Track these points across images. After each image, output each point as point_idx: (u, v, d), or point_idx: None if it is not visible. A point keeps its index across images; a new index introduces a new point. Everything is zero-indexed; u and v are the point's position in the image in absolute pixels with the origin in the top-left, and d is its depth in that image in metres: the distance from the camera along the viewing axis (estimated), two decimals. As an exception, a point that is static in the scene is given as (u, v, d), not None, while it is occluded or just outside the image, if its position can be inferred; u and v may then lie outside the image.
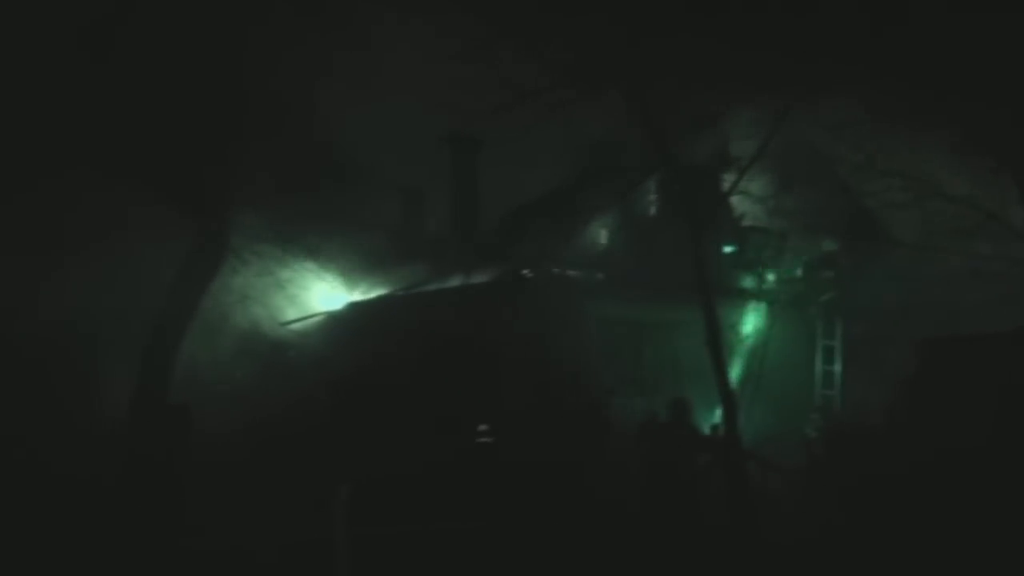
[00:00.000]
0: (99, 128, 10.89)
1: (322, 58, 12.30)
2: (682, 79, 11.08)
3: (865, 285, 13.15)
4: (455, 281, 13.97)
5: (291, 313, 13.93)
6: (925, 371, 11.18)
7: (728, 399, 11.26)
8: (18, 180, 11.03)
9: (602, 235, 13.70)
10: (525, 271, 13.13)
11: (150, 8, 11.16)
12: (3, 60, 10.74)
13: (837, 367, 14.23)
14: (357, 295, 14.35)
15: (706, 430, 12.32)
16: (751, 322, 14.15)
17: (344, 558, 8.20)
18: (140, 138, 11.06)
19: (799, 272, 14.03)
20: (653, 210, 13.69)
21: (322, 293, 14.13)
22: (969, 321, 11.89)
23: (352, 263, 14.12)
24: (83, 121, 10.86)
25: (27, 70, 10.76)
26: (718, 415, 11.45)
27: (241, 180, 12.21)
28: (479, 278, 13.69)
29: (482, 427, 11.68)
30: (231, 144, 11.62)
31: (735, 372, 12.80)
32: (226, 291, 13.19)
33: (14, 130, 10.81)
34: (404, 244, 15.00)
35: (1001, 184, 11.25)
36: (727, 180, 12.19)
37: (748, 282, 14.00)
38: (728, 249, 13.49)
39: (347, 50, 12.32)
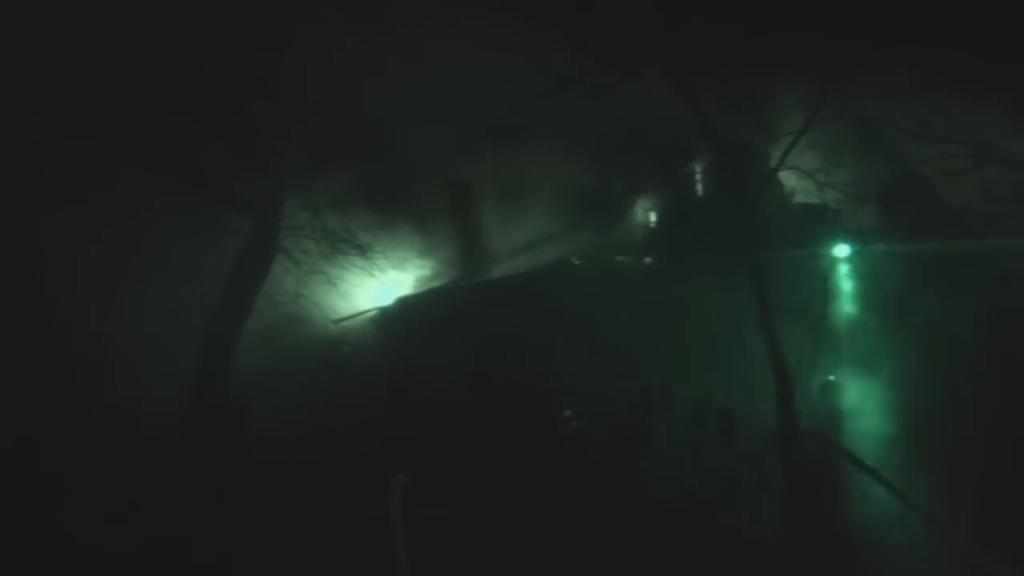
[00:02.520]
0: (149, 129, 11.25)
1: (370, 55, 12.48)
2: (727, 57, 10.92)
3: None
4: (503, 272, 13.98)
5: (344, 310, 14.12)
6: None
7: (783, 379, 11.03)
8: (76, 183, 11.46)
9: (651, 218, 13.57)
10: (573, 259, 13.08)
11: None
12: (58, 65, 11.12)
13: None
14: (407, 290, 14.47)
15: None
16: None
17: (401, 538, 8.35)
18: (190, 139, 11.38)
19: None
20: (700, 190, 13.50)
21: (373, 289, 14.28)
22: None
23: (401, 259, 14.25)
24: (133, 121, 11.23)
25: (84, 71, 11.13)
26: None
27: (291, 180, 12.45)
28: (528, 268, 13.67)
29: (567, 413, 11.74)
30: (280, 144, 11.87)
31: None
32: (280, 291, 13.44)
33: (75, 134, 11.23)
34: (452, 237, 15.06)
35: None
36: (775, 156, 11.95)
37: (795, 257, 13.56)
38: (780, 226, 13.17)
39: (393, 47, 12.48)
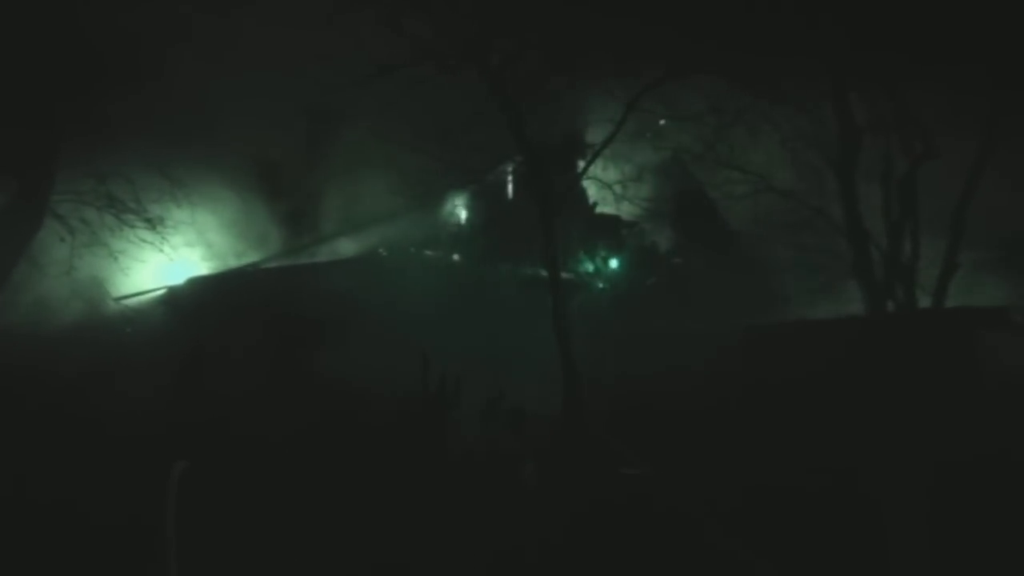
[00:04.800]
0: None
1: (174, 19, 11.63)
2: (540, 61, 11.31)
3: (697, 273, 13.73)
4: (310, 258, 13.62)
5: (126, 287, 13.06)
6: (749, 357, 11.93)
7: (573, 381, 11.61)
8: None
9: (461, 215, 13.75)
10: (381, 250, 13.00)
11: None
12: None
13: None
14: (201, 270, 13.65)
15: None
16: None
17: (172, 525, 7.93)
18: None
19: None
20: (510, 191, 13.90)
21: (162, 267, 13.31)
22: (793, 310, 12.81)
23: (196, 236, 13.40)
24: None
25: None
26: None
27: (73, 141, 11.31)
28: (336, 257, 13.40)
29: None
30: (56, 101, 10.72)
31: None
32: (52, 262, 12.20)
33: None
34: (256, 219, 14.40)
35: (824, 181, 12.19)
36: (582, 165, 12.55)
37: (592, 266, 14.32)
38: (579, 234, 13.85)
39: (201, 11, 11.72)
